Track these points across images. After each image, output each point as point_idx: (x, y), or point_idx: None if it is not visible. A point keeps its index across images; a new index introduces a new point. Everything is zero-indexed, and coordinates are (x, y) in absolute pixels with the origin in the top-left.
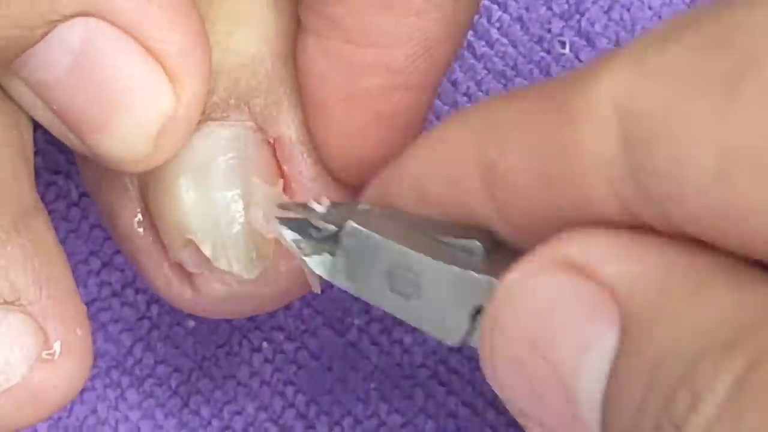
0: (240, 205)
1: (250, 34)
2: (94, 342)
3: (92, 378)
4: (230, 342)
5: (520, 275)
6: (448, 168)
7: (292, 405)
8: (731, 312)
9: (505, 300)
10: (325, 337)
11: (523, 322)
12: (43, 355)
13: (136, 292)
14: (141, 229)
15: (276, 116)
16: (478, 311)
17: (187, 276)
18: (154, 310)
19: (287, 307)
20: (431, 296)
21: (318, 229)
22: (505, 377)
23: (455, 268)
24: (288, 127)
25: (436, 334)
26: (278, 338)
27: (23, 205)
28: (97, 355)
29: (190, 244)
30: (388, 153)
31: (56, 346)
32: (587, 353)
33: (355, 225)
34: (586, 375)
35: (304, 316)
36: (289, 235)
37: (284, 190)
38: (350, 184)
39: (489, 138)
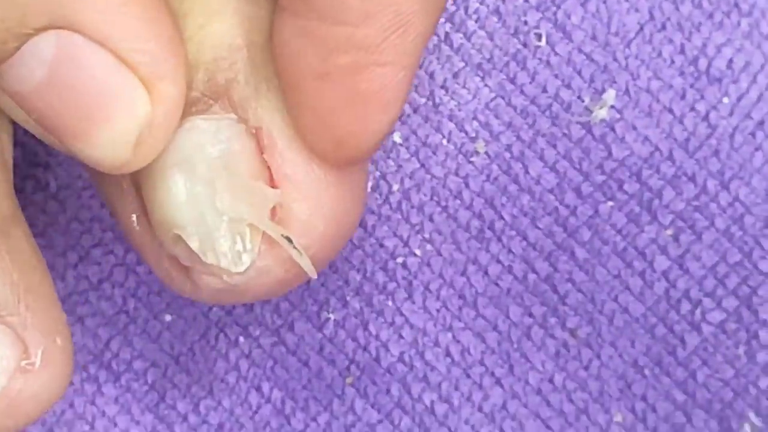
0: (225, 199)
1: (223, 26)
2: (73, 335)
3: None
4: (207, 336)
5: None
6: None
7: (268, 400)
8: None
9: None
10: (301, 331)
11: None
12: (23, 365)
13: (113, 286)
14: (138, 226)
15: (256, 106)
16: None
17: (184, 269)
18: (131, 304)
19: (264, 302)
20: None
21: None
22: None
23: None
24: (269, 116)
25: None
26: (255, 333)
27: (2, 215)
28: (75, 350)
29: (180, 239)
30: (368, 132)
31: (36, 356)
32: None
33: None
34: None
35: (281, 311)
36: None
37: (269, 181)
38: (333, 166)
39: None
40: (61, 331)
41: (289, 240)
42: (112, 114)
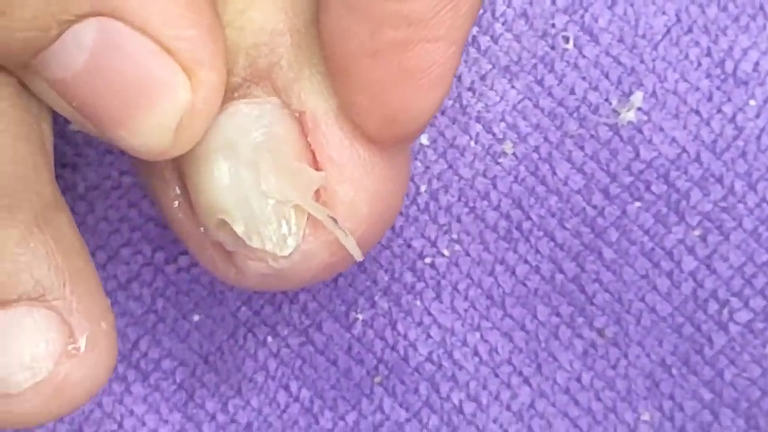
0: (270, 181)
1: (264, 10)
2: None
3: None
4: (235, 336)
5: None
6: None
7: (296, 399)
8: None
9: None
10: (329, 331)
11: None
12: (69, 349)
13: (142, 285)
14: (181, 213)
15: (299, 90)
16: None
17: (228, 255)
18: (160, 303)
19: (292, 301)
20: None
21: None
22: None
23: None
24: (312, 100)
25: None
26: (283, 333)
27: (44, 200)
28: None
29: (225, 223)
30: (418, 110)
31: (81, 341)
32: None
33: None
34: None
35: (309, 311)
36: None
37: (313, 164)
38: (382, 146)
39: None
40: (106, 316)
41: (335, 221)
42: (153, 100)
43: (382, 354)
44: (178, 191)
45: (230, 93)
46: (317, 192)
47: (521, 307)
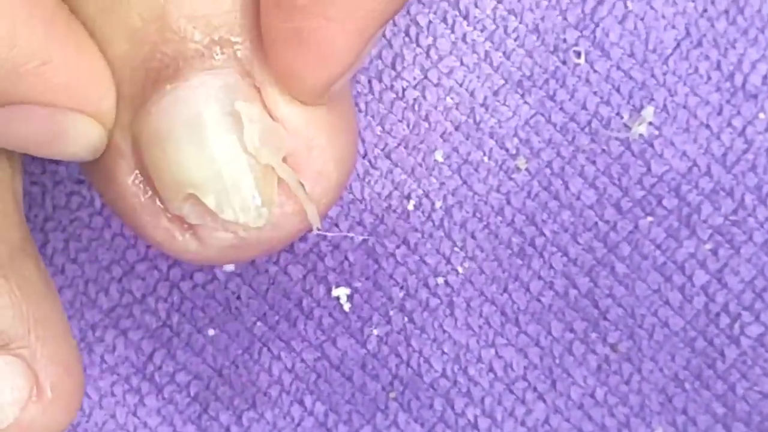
0: (239, 153)
1: None
2: (115, 348)
3: (112, 384)
4: (250, 351)
5: None
6: None
7: (311, 413)
8: None
9: None
10: (344, 346)
11: None
12: (34, 395)
13: (157, 300)
14: (136, 187)
15: (255, 58)
16: None
17: (189, 228)
18: (175, 318)
19: (307, 317)
20: None
21: None
22: None
23: None
24: (261, 67)
25: None
26: (298, 348)
27: (11, 247)
28: (118, 362)
29: (190, 197)
30: (308, 77)
31: (47, 386)
32: None
33: None
34: None
35: (324, 326)
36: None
37: None
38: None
39: None
40: (72, 360)
41: (304, 188)
42: (69, 145)
43: (397, 370)
44: (133, 166)
45: (189, 61)
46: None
47: (535, 323)
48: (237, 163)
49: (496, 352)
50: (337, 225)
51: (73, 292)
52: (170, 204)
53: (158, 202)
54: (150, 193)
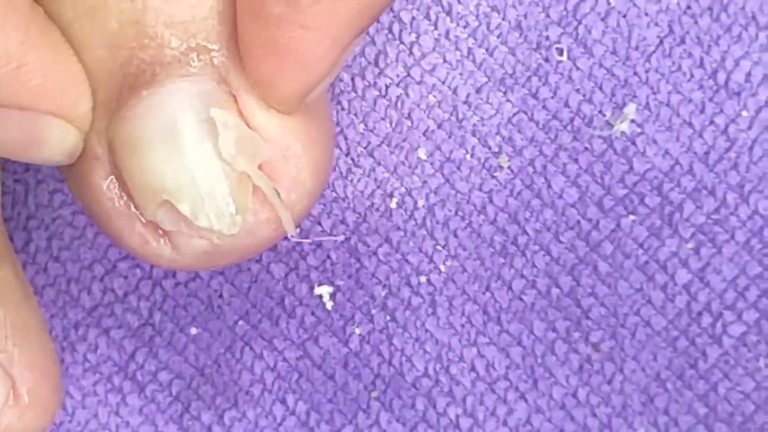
0: (214, 160)
1: None
2: (98, 347)
3: (94, 383)
4: (232, 350)
5: None
6: None
7: (293, 413)
8: None
9: None
10: (326, 345)
11: None
12: (11, 400)
13: (139, 298)
14: (111, 192)
15: (231, 66)
16: None
17: (164, 234)
18: (157, 317)
19: (290, 315)
20: None
21: None
22: None
23: None
24: (237, 75)
25: None
26: (280, 347)
27: None
28: (100, 361)
29: (165, 203)
30: (284, 85)
31: (24, 392)
32: None
33: None
34: None
35: (306, 325)
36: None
37: None
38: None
39: None
40: (49, 365)
41: (278, 195)
42: (44, 151)
43: (379, 369)
44: (108, 171)
45: (166, 67)
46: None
47: (517, 322)
48: (212, 170)
49: (478, 351)
50: (319, 223)
51: (56, 291)
52: (145, 210)
53: (133, 208)
54: (125, 198)
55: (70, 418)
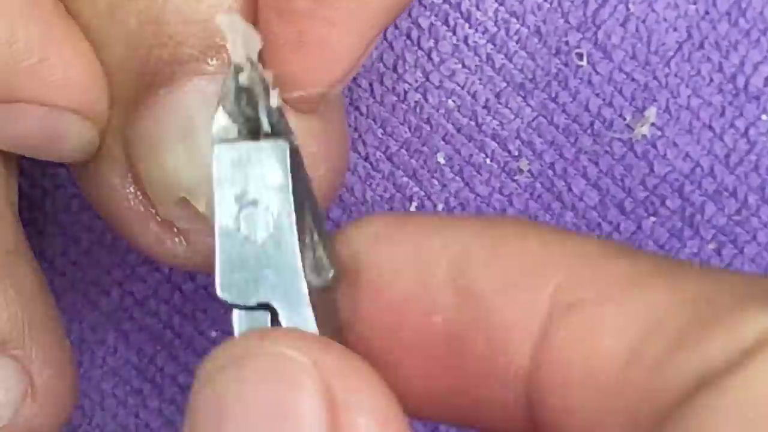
0: None
1: None
2: (117, 350)
3: (113, 386)
4: None
5: None
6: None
7: None
8: None
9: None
10: None
11: None
12: (29, 396)
13: (159, 302)
14: (126, 190)
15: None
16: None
17: (179, 233)
18: (176, 320)
19: None
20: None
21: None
22: None
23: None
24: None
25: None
26: None
27: (5, 248)
28: (119, 364)
29: (183, 201)
30: (307, 80)
31: (41, 387)
32: None
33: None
34: None
35: None
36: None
37: None
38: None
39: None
40: (65, 361)
41: None
42: (64, 147)
43: None
44: (125, 169)
45: (184, 66)
46: None
47: None
48: None
49: None
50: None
51: (75, 295)
52: (161, 208)
53: (148, 207)
54: (140, 197)
55: (89, 420)
